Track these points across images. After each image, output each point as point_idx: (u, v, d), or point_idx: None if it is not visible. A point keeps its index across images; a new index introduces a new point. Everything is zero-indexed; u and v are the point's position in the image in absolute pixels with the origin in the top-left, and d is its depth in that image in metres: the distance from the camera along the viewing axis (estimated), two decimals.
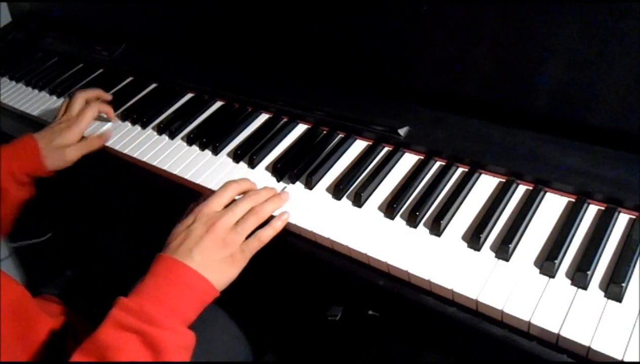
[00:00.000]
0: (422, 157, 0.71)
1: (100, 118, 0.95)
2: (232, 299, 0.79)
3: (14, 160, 0.81)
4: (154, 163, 0.82)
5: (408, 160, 0.72)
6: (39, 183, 0.87)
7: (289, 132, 0.82)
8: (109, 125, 0.94)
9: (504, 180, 0.64)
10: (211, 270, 0.60)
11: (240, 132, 0.84)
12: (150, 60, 1.08)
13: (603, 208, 0.58)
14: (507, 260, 0.56)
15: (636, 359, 0.45)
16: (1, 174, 0.79)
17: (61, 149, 0.85)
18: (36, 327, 0.65)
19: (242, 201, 0.66)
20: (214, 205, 0.65)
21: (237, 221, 0.64)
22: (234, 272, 0.62)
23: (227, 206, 0.66)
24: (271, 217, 0.66)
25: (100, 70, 1.14)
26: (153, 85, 1.03)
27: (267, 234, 0.64)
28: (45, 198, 0.90)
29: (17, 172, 0.81)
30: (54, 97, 1.09)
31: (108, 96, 0.97)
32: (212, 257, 0.61)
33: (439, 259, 0.57)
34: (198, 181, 0.77)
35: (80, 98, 0.92)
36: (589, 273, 0.51)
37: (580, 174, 0.60)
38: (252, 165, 0.77)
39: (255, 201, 0.66)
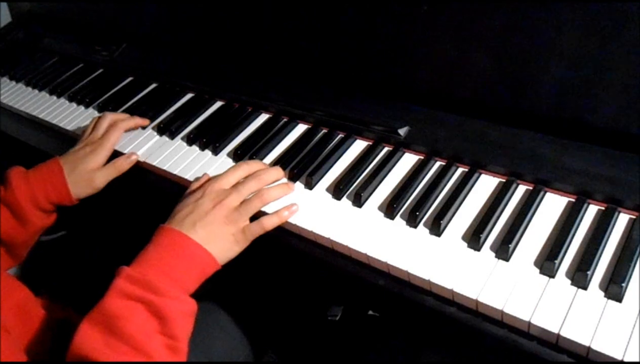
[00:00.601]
0: (422, 157, 0.71)
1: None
2: (232, 299, 0.79)
3: (39, 187, 0.76)
4: (154, 163, 0.82)
5: (408, 160, 0.72)
6: None
7: (289, 132, 0.82)
8: (143, 150, 0.87)
9: (504, 180, 0.64)
10: (213, 245, 0.62)
11: (240, 132, 0.84)
12: (150, 60, 1.08)
13: (603, 208, 0.58)
14: (507, 260, 0.56)
15: (636, 359, 0.45)
16: (24, 203, 0.74)
17: (87, 175, 0.79)
18: (38, 327, 0.65)
19: (249, 182, 0.67)
20: (223, 182, 0.67)
21: (242, 202, 0.65)
22: (236, 250, 0.64)
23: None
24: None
25: (100, 70, 1.14)
26: (153, 85, 1.03)
27: (272, 222, 0.65)
28: None
29: (42, 201, 0.76)
30: (54, 97, 1.09)
31: (139, 121, 0.90)
32: (215, 232, 0.63)
33: (439, 259, 0.57)
34: None
35: (107, 120, 0.86)
36: (589, 273, 0.51)
37: (580, 174, 0.60)
38: None
39: (261, 184, 0.68)
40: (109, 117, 0.87)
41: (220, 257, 0.63)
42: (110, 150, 0.83)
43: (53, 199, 0.77)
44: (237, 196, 0.65)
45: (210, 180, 0.68)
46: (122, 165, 0.82)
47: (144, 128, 0.91)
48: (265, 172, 0.69)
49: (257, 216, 0.66)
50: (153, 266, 0.58)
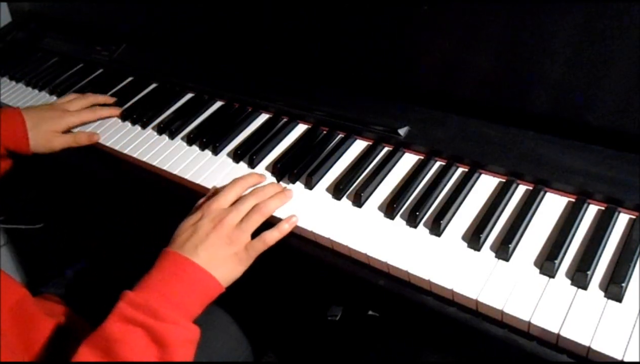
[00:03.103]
0: (422, 157, 0.71)
1: None
2: (232, 299, 0.79)
3: None
4: (154, 163, 0.82)
5: (408, 160, 0.72)
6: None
7: (289, 132, 0.82)
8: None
9: (504, 180, 0.64)
10: (216, 267, 0.61)
11: (240, 132, 0.84)
12: (150, 60, 1.08)
13: (603, 208, 0.58)
14: (507, 260, 0.56)
15: (636, 359, 0.45)
16: None
17: (48, 135, 0.86)
18: (36, 328, 0.65)
19: (247, 198, 0.66)
20: (221, 201, 0.66)
21: (242, 218, 0.64)
22: (240, 270, 0.63)
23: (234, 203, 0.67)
24: (275, 219, 0.67)
25: (100, 70, 1.14)
26: (153, 85, 1.03)
27: (273, 236, 0.64)
28: (42, 190, 0.90)
29: None
30: (54, 97, 1.09)
31: (114, 111, 0.95)
32: (217, 254, 0.61)
33: (439, 259, 0.57)
34: (198, 181, 0.77)
35: (89, 99, 0.92)
36: (589, 273, 0.51)
37: (580, 174, 0.60)
38: (252, 165, 0.77)
39: (260, 198, 0.67)
40: (91, 99, 0.94)
41: (224, 279, 0.61)
42: (76, 124, 0.91)
43: (10, 146, 0.83)
44: (237, 214, 0.64)
45: (208, 200, 0.67)
46: (81, 139, 0.89)
47: (143, 128, 0.91)
48: (263, 189, 0.68)
49: (258, 230, 0.65)
50: (155, 291, 0.57)
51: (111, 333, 0.53)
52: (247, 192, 0.69)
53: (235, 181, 0.70)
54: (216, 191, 0.69)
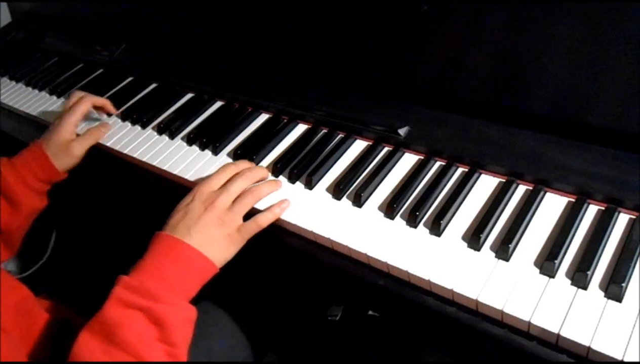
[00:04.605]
0: (422, 157, 0.71)
1: (93, 118, 0.96)
2: (232, 299, 0.80)
3: (25, 169, 0.79)
4: (154, 163, 0.82)
5: (408, 160, 0.72)
6: None
7: (289, 132, 0.82)
8: (105, 117, 0.95)
9: (504, 180, 0.64)
10: (209, 248, 0.62)
11: (240, 132, 0.84)
12: (150, 60, 1.08)
13: (603, 208, 0.58)
14: (507, 260, 0.56)
15: (636, 359, 0.45)
16: (15, 185, 0.77)
17: (63, 145, 0.84)
18: (38, 327, 0.65)
19: (237, 180, 0.67)
20: (212, 184, 0.67)
21: (234, 201, 0.65)
22: (232, 250, 0.64)
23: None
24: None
25: (100, 70, 1.14)
26: (153, 85, 1.03)
27: (266, 219, 0.65)
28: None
29: (31, 180, 0.79)
30: (54, 97, 1.09)
31: (107, 102, 0.94)
32: (210, 235, 0.62)
33: (439, 259, 0.57)
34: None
35: (75, 96, 0.91)
36: (589, 273, 0.51)
37: (580, 174, 0.60)
38: None
39: (248, 179, 0.68)
40: (77, 93, 0.91)
41: (218, 260, 0.63)
42: (77, 119, 0.87)
43: (41, 176, 0.80)
44: (227, 197, 0.65)
45: (200, 183, 0.68)
46: (95, 134, 0.87)
47: (143, 128, 0.91)
48: (251, 170, 0.70)
49: (248, 215, 0.66)
50: (151, 274, 0.58)
51: (110, 317, 0.54)
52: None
53: (226, 165, 0.71)
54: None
